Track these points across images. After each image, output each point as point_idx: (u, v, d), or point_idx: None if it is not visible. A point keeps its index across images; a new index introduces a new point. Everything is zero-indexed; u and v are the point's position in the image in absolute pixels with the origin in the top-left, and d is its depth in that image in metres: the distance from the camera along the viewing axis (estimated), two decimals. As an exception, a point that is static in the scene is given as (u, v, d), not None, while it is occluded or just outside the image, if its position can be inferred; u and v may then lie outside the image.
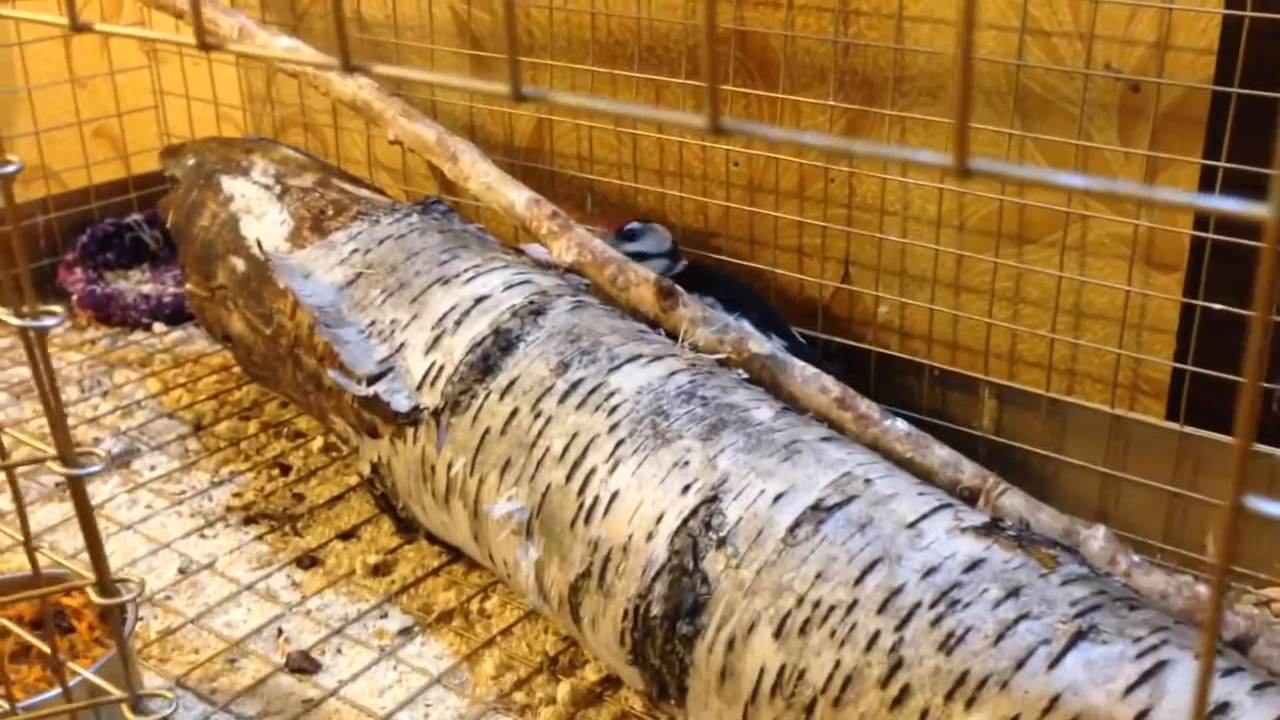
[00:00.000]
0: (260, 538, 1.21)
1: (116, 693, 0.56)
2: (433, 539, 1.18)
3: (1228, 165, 1.04)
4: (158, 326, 1.65)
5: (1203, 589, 0.91)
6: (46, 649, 0.63)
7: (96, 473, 0.51)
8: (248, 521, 1.24)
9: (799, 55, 1.28)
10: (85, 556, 0.54)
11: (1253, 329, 0.27)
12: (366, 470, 1.15)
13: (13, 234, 0.48)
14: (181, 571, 1.16)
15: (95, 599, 0.53)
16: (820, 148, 0.30)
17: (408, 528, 1.18)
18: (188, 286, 1.36)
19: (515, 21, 0.34)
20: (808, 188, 1.33)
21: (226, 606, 1.11)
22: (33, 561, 0.59)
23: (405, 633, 1.08)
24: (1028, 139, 1.16)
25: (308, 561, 1.17)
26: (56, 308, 0.49)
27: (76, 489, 0.53)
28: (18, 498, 0.56)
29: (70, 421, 1.42)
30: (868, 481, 0.85)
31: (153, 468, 1.34)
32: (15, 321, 0.49)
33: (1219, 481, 1.12)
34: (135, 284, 1.73)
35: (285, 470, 1.33)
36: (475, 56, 1.55)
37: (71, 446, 0.51)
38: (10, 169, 0.47)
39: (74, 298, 1.66)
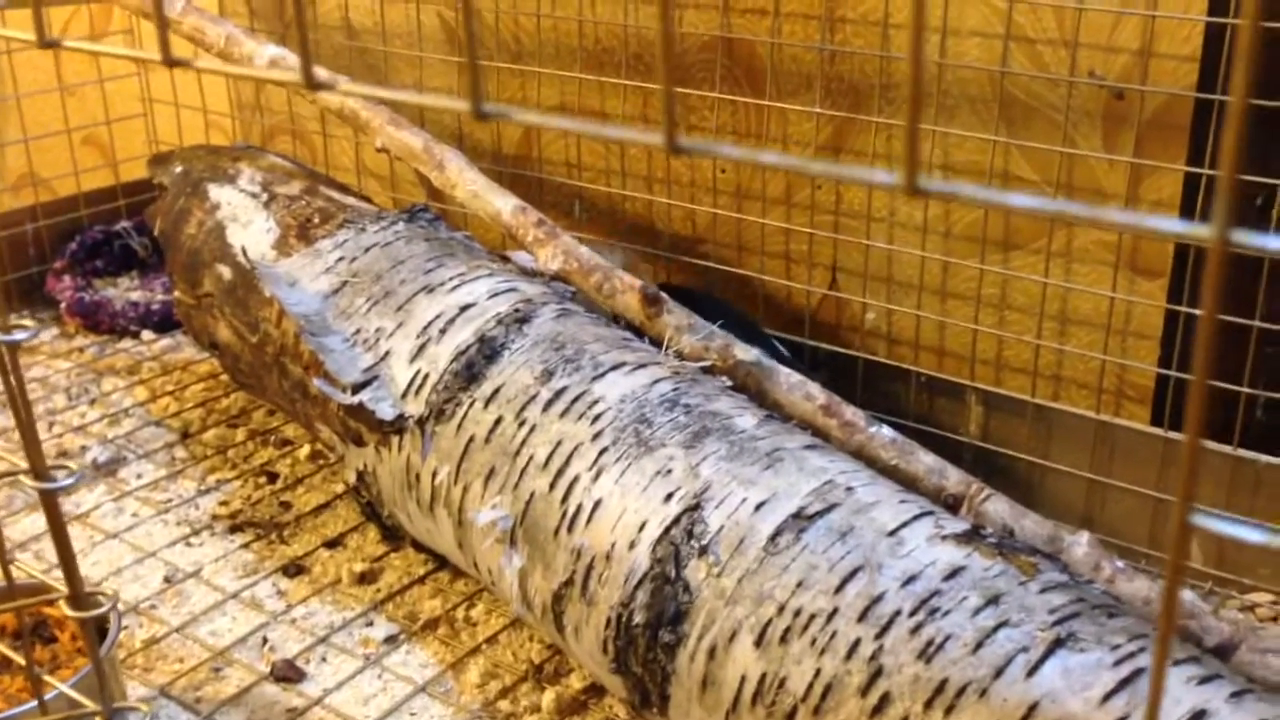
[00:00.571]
0: (246, 546, 1.21)
1: (92, 706, 0.56)
2: (418, 547, 1.18)
3: (1211, 172, 1.04)
4: (146, 334, 1.65)
5: (1189, 594, 0.91)
6: (23, 661, 0.63)
7: (67, 486, 0.51)
8: (234, 530, 1.24)
9: (785, 63, 1.28)
10: (20, 564, 0.54)
11: (1197, 344, 0.27)
12: (352, 478, 1.15)
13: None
14: (167, 580, 1.16)
15: (69, 612, 0.53)
16: (778, 166, 0.30)
17: (393, 536, 1.18)
18: (175, 294, 1.36)
19: (475, 40, 0.34)
20: (794, 194, 1.33)
21: (211, 615, 1.11)
22: (6, 574, 0.59)
23: (390, 641, 1.08)
24: (1012, 146, 1.16)
25: (293, 570, 1.17)
26: (28, 322, 0.49)
27: (48, 502, 0.53)
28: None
29: (57, 430, 1.42)
30: (849, 489, 0.85)
31: (139, 476, 1.33)
32: (-15, 335, 0.49)
33: (1204, 487, 1.12)
34: (124, 291, 1.72)
35: (272, 478, 1.33)
36: (463, 64, 1.55)
37: (43, 459, 0.51)
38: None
39: (62, 305, 1.66)
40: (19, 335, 0.49)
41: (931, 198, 0.26)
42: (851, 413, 1.07)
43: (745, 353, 1.11)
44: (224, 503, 1.28)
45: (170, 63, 0.40)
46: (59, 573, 0.70)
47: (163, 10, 0.39)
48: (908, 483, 0.99)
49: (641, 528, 0.87)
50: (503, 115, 0.34)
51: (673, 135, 0.31)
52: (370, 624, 1.10)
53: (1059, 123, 1.13)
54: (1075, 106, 1.12)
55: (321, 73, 1.20)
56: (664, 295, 1.14)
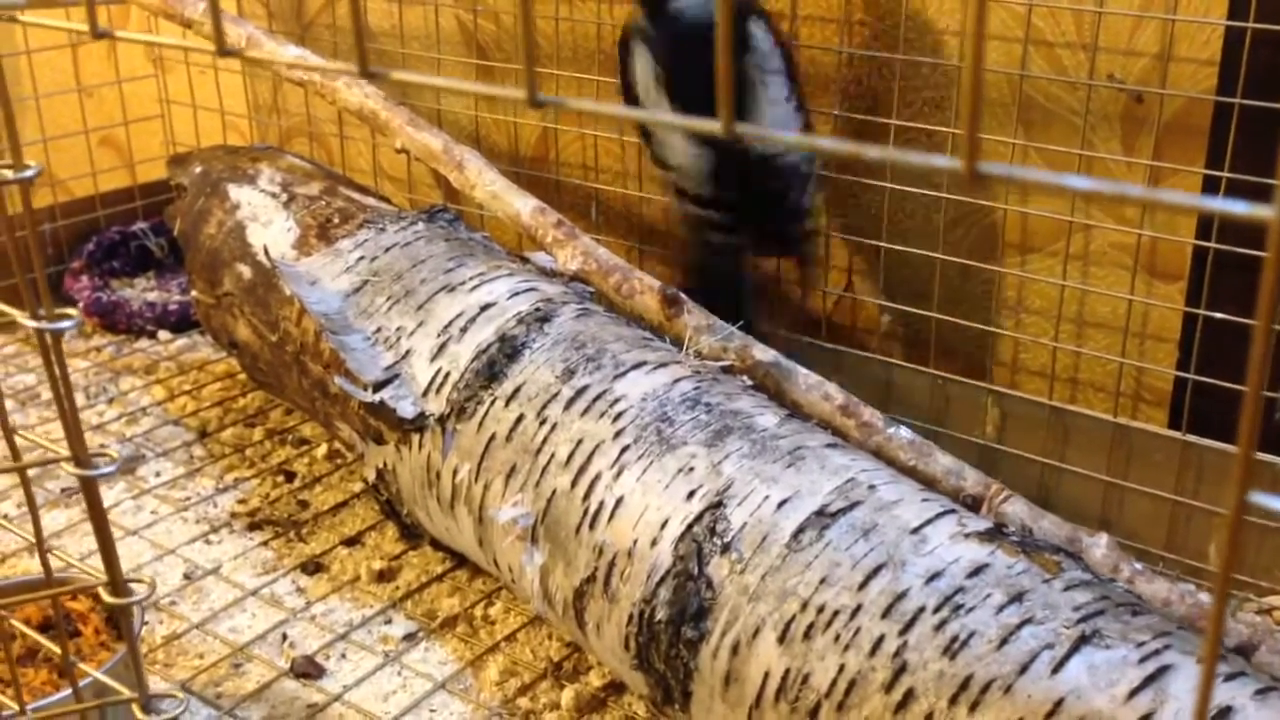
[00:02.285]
0: (265, 544, 1.22)
1: (127, 693, 0.56)
2: (437, 545, 1.18)
3: (1230, 175, 1.04)
4: (163, 334, 1.65)
5: (1205, 597, 0.92)
6: (57, 650, 0.63)
7: (110, 474, 0.52)
8: (252, 528, 1.24)
9: (804, 65, 1.29)
10: (91, 561, 0.54)
11: (1256, 336, 0.28)
12: (372, 476, 1.15)
13: (30, 238, 0.49)
14: (187, 577, 1.17)
15: (107, 599, 0.54)
16: (834, 152, 0.31)
17: (412, 534, 1.19)
18: (194, 294, 1.36)
19: (533, 30, 0.34)
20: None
21: (231, 612, 1.12)
22: (45, 563, 0.59)
23: (410, 638, 1.08)
24: (1031, 148, 1.16)
25: (312, 567, 1.18)
26: (72, 310, 0.50)
27: (89, 490, 0.53)
28: (30, 499, 0.57)
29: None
30: (871, 488, 0.85)
31: (158, 474, 1.34)
32: (31, 324, 0.49)
33: (1221, 490, 1.12)
34: (141, 291, 1.73)
35: (290, 477, 1.33)
36: (481, 66, 1.56)
37: (85, 448, 0.52)
38: (28, 173, 0.47)
39: (80, 305, 1.67)
40: (64, 324, 0.49)
41: (993, 180, 0.27)
42: (869, 413, 1.08)
43: (764, 353, 1.11)
44: (242, 501, 1.29)
45: (223, 52, 0.40)
46: (83, 566, 0.70)
47: (217, 3, 0.40)
48: (926, 484, 0.99)
49: (664, 525, 0.88)
50: (559, 103, 0.35)
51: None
52: (389, 621, 1.11)
53: (1078, 126, 1.13)
54: (1094, 109, 1.13)
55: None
56: (683, 296, 1.14)
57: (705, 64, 1.26)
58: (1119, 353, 1.16)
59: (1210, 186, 1.08)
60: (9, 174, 0.48)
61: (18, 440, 0.60)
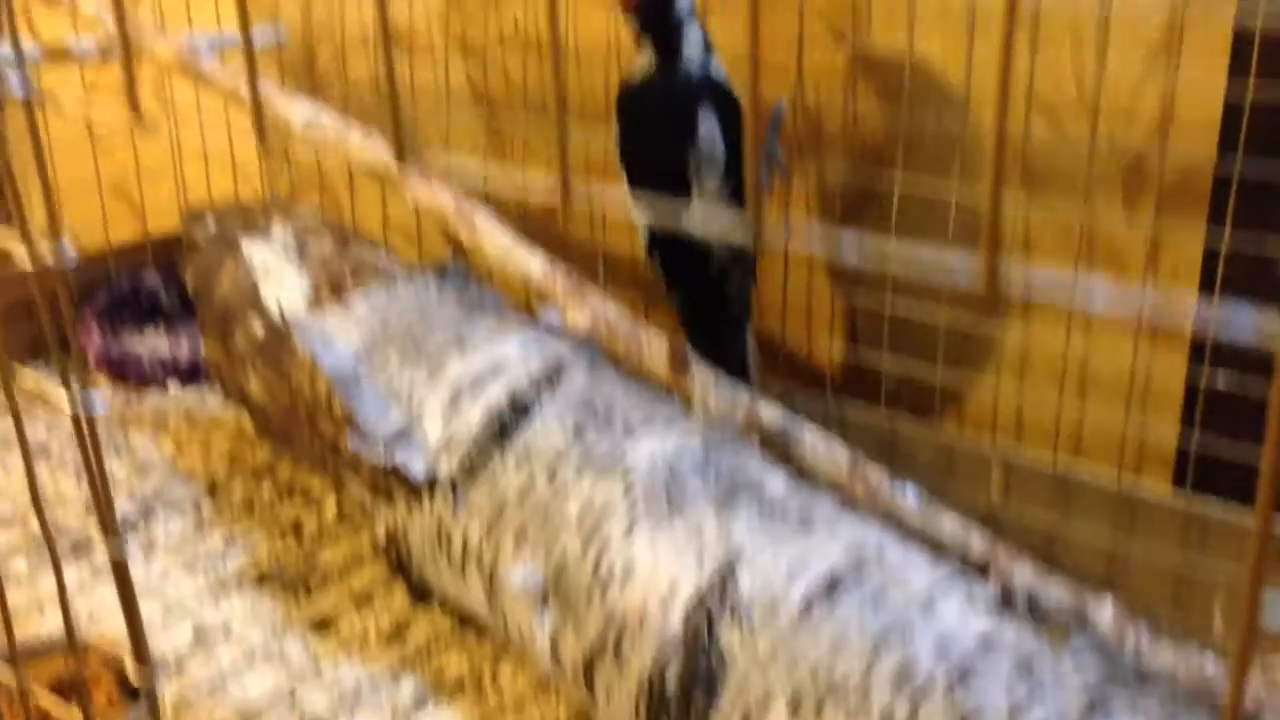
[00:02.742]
0: (274, 602, 1.22)
1: (149, 766, 0.57)
2: (446, 604, 1.19)
3: (1232, 239, 1.06)
4: (172, 387, 1.66)
5: (1212, 668, 0.92)
6: (77, 715, 0.64)
7: (132, 545, 0.53)
8: (261, 585, 1.25)
9: (811, 125, 1.31)
10: (107, 622, 0.55)
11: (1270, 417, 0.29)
12: (382, 535, 1.16)
13: (66, 325, 0.50)
14: (196, 636, 1.17)
15: (133, 676, 0.54)
16: (859, 253, 0.32)
17: (421, 593, 1.19)
18: (207, 349, 1.37)
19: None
20: (816, 256, 1.35)
21: (241, 672, 1.12)
22: (69, 628, 0.60)
23: (418, 701, 1.08)
24: (1034, 212, 1.18)
25: (321, 626, 1.18)
26: (104, 389, 0.51)
27: (118, 566, 0.54)
28: (57, 569, 0.58)
29: (86, 482, 1.43)
30: (880, 555, 0.86)
31: (167, 530, 1.35)
32: (65, 404, 0.51)
33: (1225, 551, 1.13)
34: (150, 344, 1.74)
35: (299, 533, 1.34)
36: (489, 124, 1.58)
37: (118, 530, 0.53)
38: (68, 259, 0.49)
39: (90, 357, 1.68)
40: (99, 406, 0.50)
41: (1011, 292, 0.28)
42: (876, 475, 1.09)
43: (771, 412, 1.12)
44: (251, 558, 1.29)
45: (263, 140, 0.41)
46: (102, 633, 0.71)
47: (259, 97, 0.41)
48: (933, 546, 1.00)
49: (674, 590, 0.88)
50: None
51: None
52: (398, 682, 1.11)
53: (1079, 189, 1.15)
54: (1095, 174, 1.14)
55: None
56: (691, 355, 1.15)
57: (649, 138, 1.30)
58: (1122, 415, 1.17)
59: (1211, 251, 1.09)
60: (48, 258, 0.49)
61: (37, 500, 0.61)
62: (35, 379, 0.53)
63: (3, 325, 0.55)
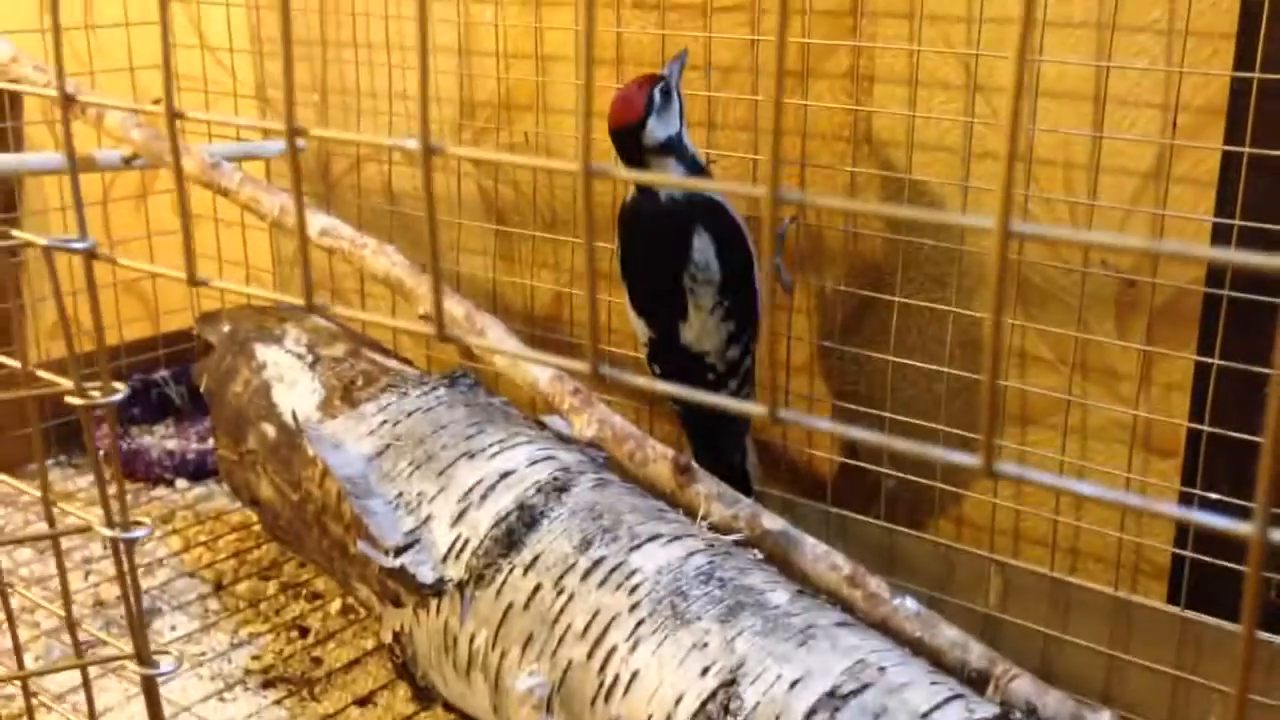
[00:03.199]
0: (279, 702, 1.23)
1: None
2: (450, 708, 1.20)
3: (1221, 362, 1.09)
4: (180, 483, 1.69)
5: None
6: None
7: (171, 673, 0.55)
8: (266, 685, 1.26)
9: (811, 241, 1.35)
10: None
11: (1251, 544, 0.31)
12: (389, 638, 1.17)
13: (112, 454, 0.53)
14: (201, 736, 1.18)
15: (159, 792, 0.56)
16: (862, 439, 0.35)
17: (426, 696, 1.20)
18: (218, 450, 1.40)
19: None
20: (818, 363, 1.38)
21: (246, 773, 1.13)
22: (95, 750, 0.62)
23: (422, 804, 1.09)
24: (1029, 328, 1.22)
25: (326, 727, 1.19)
26: (145, 519, 0.54)
27: (149, 688, 0.56)
28: (89, 698, 0.60)
29: (94, 579, 1.45)
30: (881, 669, 0.88)
31: (173, 628, 1.36)
32: (106, 532, 0.53)
33: (1219, 664, 1.14)
34: (159, 440, 1.77)
35: (304, 632, 1.35)
36: (499, 230, 1.62)
37: (149, 647, 0.55)
38: (115, 397, 0.52)
39: (101, 453, 1.70)
40: (137, 533, 0.53)
41: (1006, 478, 0.31)
42: (876, 584, 1.11)
43: (772, 522, 1.15)
44: (256, 657, 1.31)
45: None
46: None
47: (307, 269, 0.44)
48: (931, 657, 1.02)
49: (678, 701, 0.90)
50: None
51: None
52: (402, 785, 1.12)
53: (1074, 307, 1.19)
54: (1089, 293, 1.18)
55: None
56: (694, 465, 1.18)
57: (645, 258, 1.34)
58: (1118, 526, 1.20)
59: (1202, 370, 1.12)
60: (97, 395, 0.52)
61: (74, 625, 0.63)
62: (77, 511, 0.56)
63: (14, 423, 0.58)
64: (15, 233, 0.54)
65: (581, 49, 0.33)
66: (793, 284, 1.37)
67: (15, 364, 0.58)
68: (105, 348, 0.53)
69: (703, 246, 1.22)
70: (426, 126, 0.39)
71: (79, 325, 1.76)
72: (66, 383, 0.54)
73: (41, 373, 0.57)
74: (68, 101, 0.49)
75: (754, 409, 0.36)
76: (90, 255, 0.51)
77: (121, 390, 0.52)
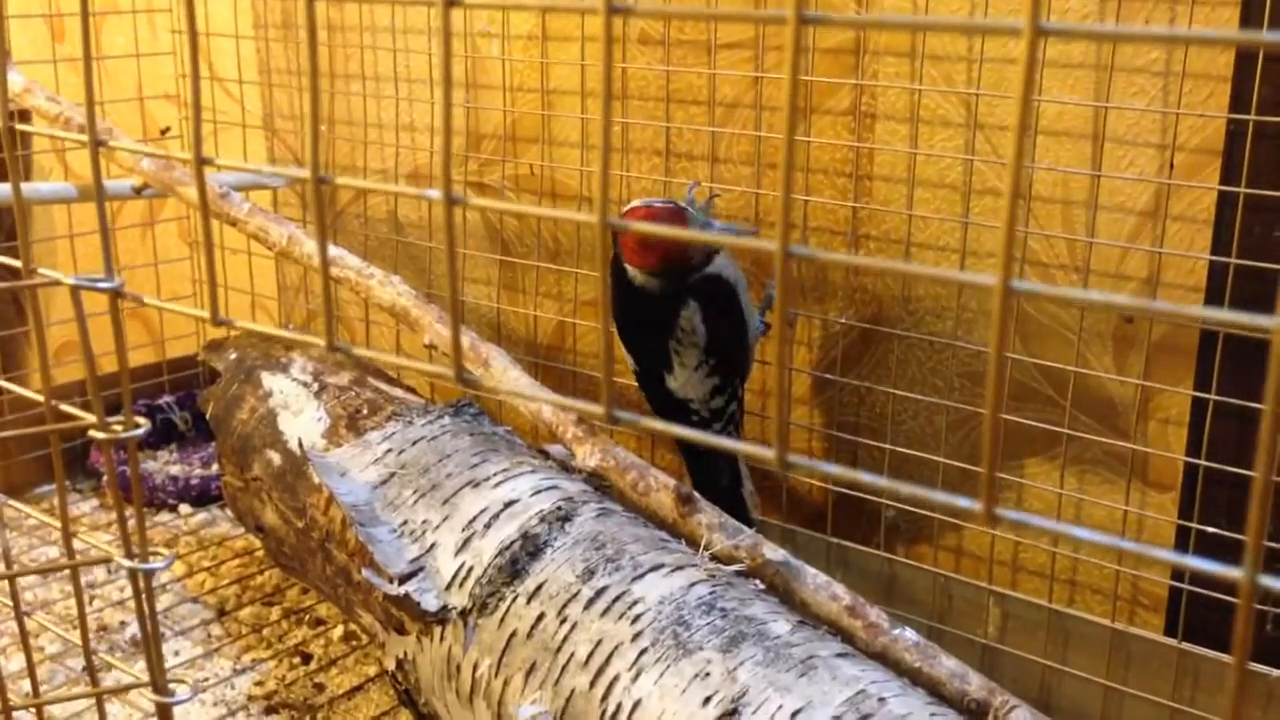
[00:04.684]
0: (282, 728, 1.24)
1: None
2: (452, 735, 1.21)
3: (1217, 398, 1.11)
4: (183, 508, 1.70)
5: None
6: None
7: (185, 701, 0.56)
8: (269, 711, 1.27)
9: (814, 273, 1.37)
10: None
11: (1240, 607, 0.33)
12: (391, 665, 1.18)
13: (133, 487, 0.54)
14: (204, 762, 1.19)
15: (173, 819, 0.57)
16: (871, 485, 0.36)
17: (428, 723, 1.21)
18: (224, 476, 1.41)
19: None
20: (818, 395, 1.40)
21: (249, 800, 1.14)
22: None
23: (424, 832, 1.10)
24: (1028, 361, 1.23)
25: (328, 754, 1.20)
26: (164, 550, 0.55)
27: (164, 716, 0.57)
28: (102, 717, 0.61)
29: (97, 604, 1.46)
30: (881, 700, 0.89)
31: (176, 653, 1.37)
32: (127, 564, 0.54)
33: (1218, 698, 1.15)
34: (163, 465, 1.78)
35: (306, 659, 1.36)
36: (504, 260, 1.64)
37: (165, 676, 0.56)
38: (139, 431, 0.53)
39: (104, 478, 1.71)
40: (157, 565, 0.54)
41: (1007, 523, 0.32)
42: (875, 614, 1.12)
43: (773, 552, 1.16)
44: (259, 683, 1.31)
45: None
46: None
47: (331, 315, 0.46)
48: (930, 687, 1.03)
49: (680, 730, 0.91)
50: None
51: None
52: (404, 813, 1.12)
53: (1072, 341, 1.20)
54: (1087, 327, 1.19)
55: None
56: (696, 495, 1.19)
57: (635, 315, 1.35)
58: (1116, 559, 1.21)
59: (1199, 404, 1.14)
60: (120, 430, 0.53)
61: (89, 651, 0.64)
62: (97, 542, 0.57)
63: (20, 448, 0.59)
64: (44, 270, 0.56)
65: (600, 131, 0.34)
66: (794, 317, 1.38)
67: (38, 397, 0.59)
68: (128, 383, 0.54)
69: (690, 314, 1.25)
70: (449, 178, 0.41)
71: (89, 370, 1.77)
72: (89, 417, 0.55)
73: (66, 407, 0.58)
74: (98, 145, 0.50)
75: (764, 453, 0.37)
76: (116, 294, 0.52)
77: (144, 425, 0.54)
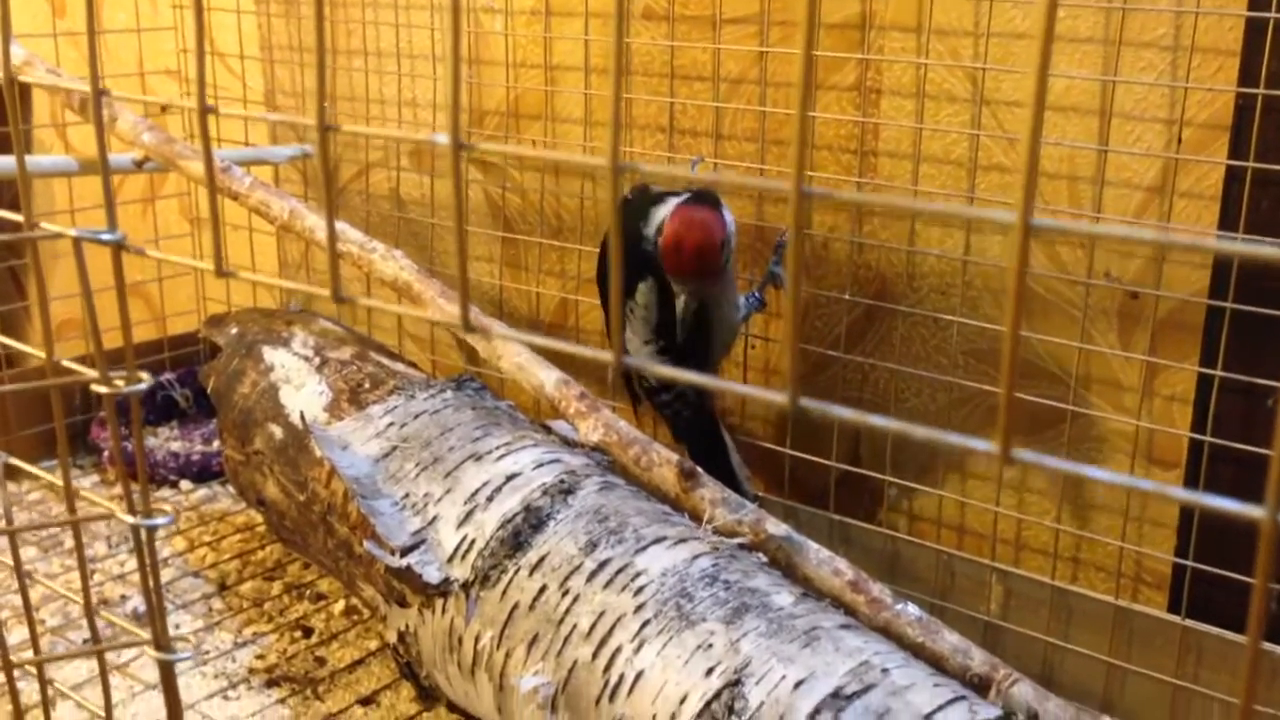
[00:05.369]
0: (282, 701, 1.24)
1: None
2: (453, 708, 1.20)
3: (1222, 373, 1.10)
4: (184, 484, 1.69)
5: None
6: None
7: (188, 659, 0.56)
8: (270, 684, 1.27)
9: (817, 250, 1.36)
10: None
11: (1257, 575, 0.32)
12: (393, 638, 1.18)
13: (137, 444, 0.54)
14: (205, 734, 1.19)
15: (176, 777, 0.57)
16: (884, 428, 0.36)
17: (429, 696, 1.21)
18: (225, 450, 1.41)
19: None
20: (821, 373, 1.39)
21: (249, 771, 1.13)
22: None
23: (425, 804, 1.10)
24: (1033, 338, 1.23)
25: (329, 727, 1.20)
26: (167, 507, 0.54)
27: (166, 673, 0.57)
28: (104, 677, 0.61)
29: (98, 577, 1.46)
30: (885, 671, 0.88)
31: (177, 626, 1.37)
32: (129, 519, 0.54)
33: (1221, 676, 1.15)
34: (164, 441, 1.78)
35: (307, 633, 1.36)
36: (506, 237, 1.63)
37: (168, 634, 0.56)
38: (141, 386, 0.52)
39: (105, 453, 1.71)
40: (159, 520, 0.54)
41: (1023, 464, 0.32)
42: (878, 590, 1.11)
43: (776, 527, 1.16)
44: (260, 656, 1.31)
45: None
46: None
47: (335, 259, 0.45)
48: (933, 662, 1.02)
49: (683, 700, 0.91)
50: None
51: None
52: (405, 785, 1.12)
53: (1077, 318, 1.20)
54: (1093, 304, 1.19)
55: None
56: (699, 470, 1.19)
57: (604, 270, 1.31)
58: (1119, 536, 1.21)
59: (1205, 381, 1.13)
60: (121, 384, 0.53)
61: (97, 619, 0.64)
62: (91, 498, 0.57)
63: (21, 422, 0.59)
64: (45, 224, 0.55)
65: (611, 47, 0.34)
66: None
67: (39, 353, 0.59)
68: (130, 338, 0.54)
69: (647, 290, 1.25)
70: (457, 121, 0.40)
71: (91, 324, 1.77)
72: (91, 372, 0.55)
73: (67, 363, 0.58)
74: (100, 94, 0.50)
75: (776, 397, 0.37)
76: (119, 247, 0.52)
77: (146, 380, 0.53)
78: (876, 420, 0.35)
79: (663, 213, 1.22)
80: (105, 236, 0.51)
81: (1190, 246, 0.31)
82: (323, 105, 0.42)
